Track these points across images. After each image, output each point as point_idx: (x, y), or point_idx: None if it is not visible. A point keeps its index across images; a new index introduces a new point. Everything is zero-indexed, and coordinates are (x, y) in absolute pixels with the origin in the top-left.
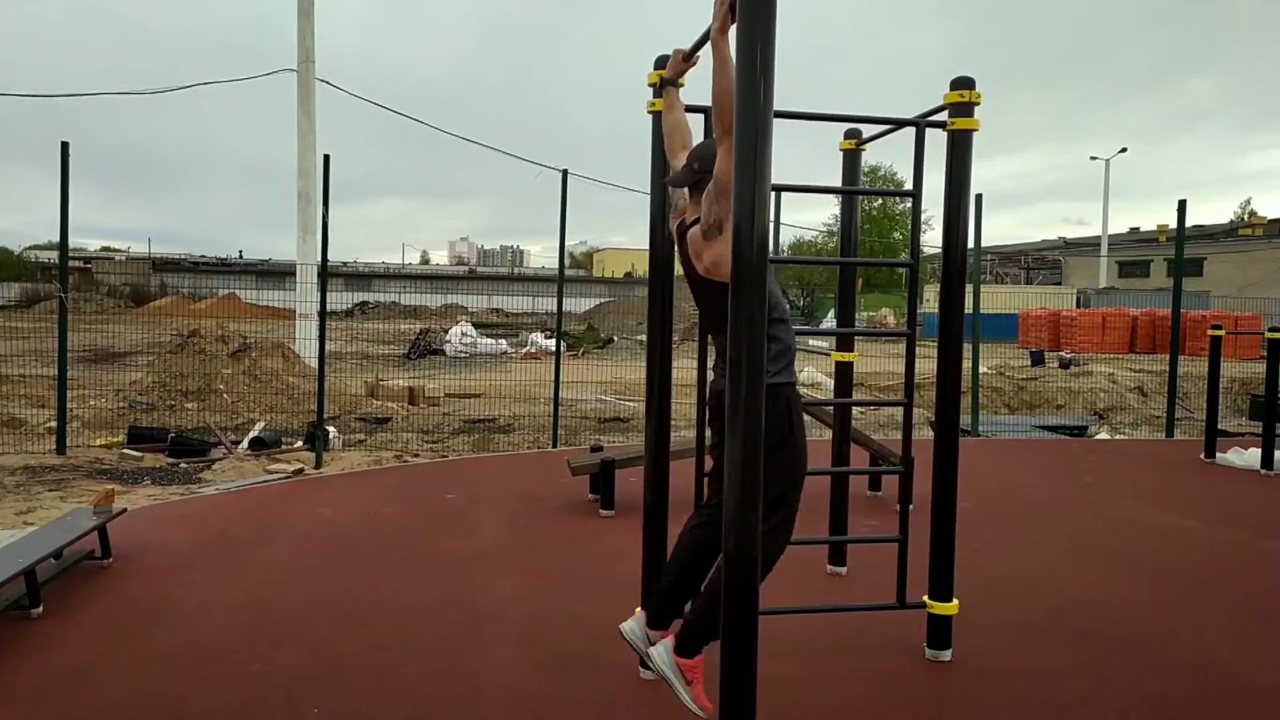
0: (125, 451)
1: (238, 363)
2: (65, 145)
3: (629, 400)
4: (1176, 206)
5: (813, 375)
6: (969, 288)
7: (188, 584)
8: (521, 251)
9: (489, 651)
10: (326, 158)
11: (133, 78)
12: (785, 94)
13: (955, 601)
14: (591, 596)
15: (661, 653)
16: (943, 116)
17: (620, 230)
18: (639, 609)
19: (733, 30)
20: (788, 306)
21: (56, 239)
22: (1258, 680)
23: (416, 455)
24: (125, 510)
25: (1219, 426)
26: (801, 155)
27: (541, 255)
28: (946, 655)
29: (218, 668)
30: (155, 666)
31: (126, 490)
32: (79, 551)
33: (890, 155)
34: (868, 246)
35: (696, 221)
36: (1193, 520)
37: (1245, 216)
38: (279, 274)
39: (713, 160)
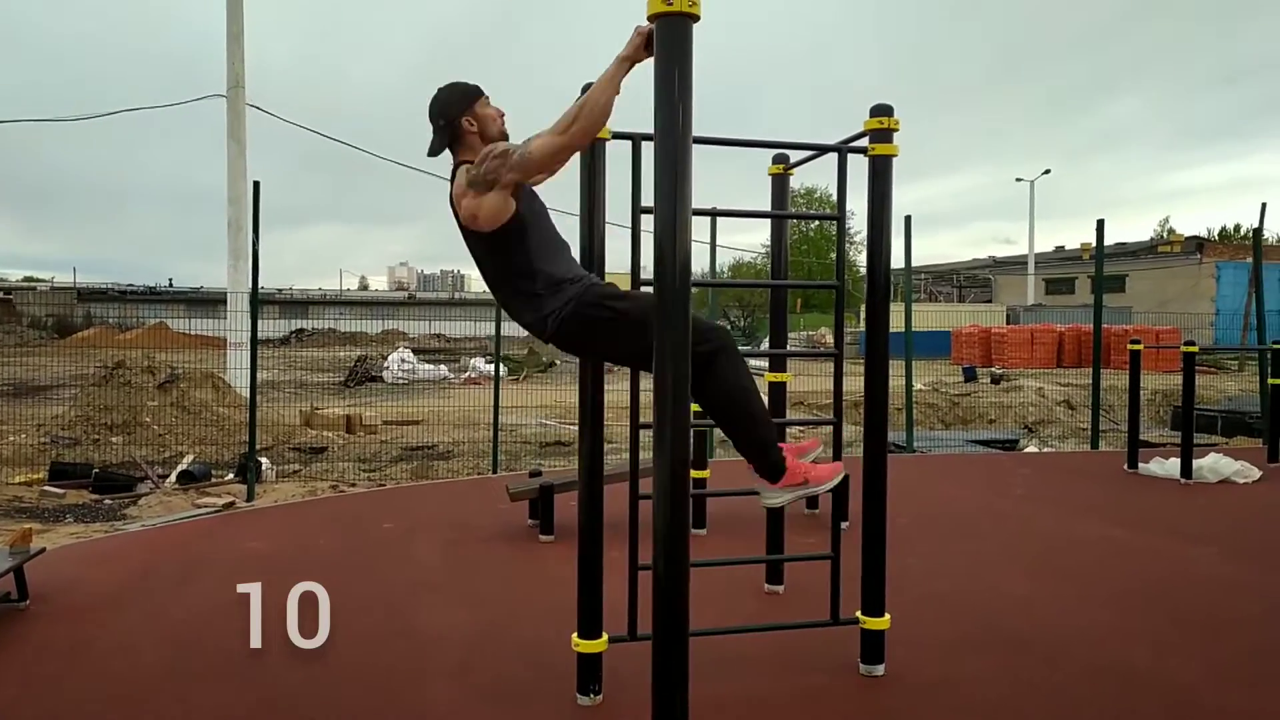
0: (46, 489)
1: (166, 394)
2: None
3: (570, 424)
4: (1096, 225)
5: None
6: (901, 306)
7: (110, 625)
8: (462, 276)
9: (427, 682)
10: (256, 184)
11: (52, 105)
12: (724, 122)
13: (887, 616)
14: (531, 622)
15: (766, 494)
16: (864, 143)
17: None
18: None
19: (649, 61)
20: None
21: None
22: (1176, 680)
23: (353, 485)
24: (44, 550)
25: (1141, 437)
26: (736, 180)
27: (482, 280)
28: (880, 670)
29: (141, 710)
30: (73, 712)
31: (47, 529)
32: None
33: (826, 178)
34: (806, 268)
35: (465, 163)
36: (1118, 529)
37: (1164, 234)
38: (210, 302)
39: (448, 106)
